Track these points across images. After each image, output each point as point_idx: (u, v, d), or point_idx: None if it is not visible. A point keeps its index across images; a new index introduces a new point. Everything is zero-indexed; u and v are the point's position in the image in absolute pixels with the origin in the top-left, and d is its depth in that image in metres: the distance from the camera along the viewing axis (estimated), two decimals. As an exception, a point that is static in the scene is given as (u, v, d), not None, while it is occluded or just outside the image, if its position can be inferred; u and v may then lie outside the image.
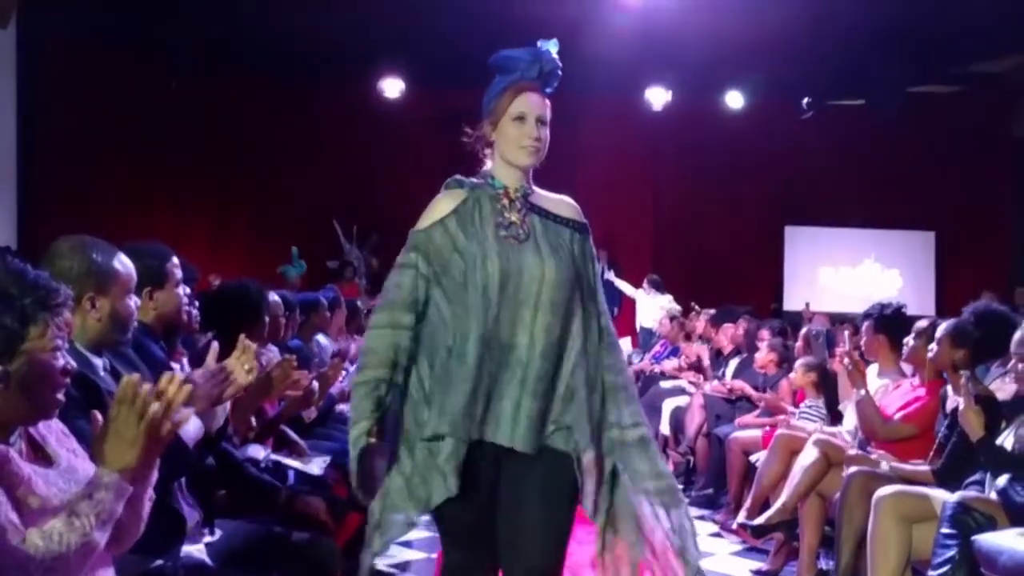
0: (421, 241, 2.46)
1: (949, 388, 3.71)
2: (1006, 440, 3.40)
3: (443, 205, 2.50)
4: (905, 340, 4.46)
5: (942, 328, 4.05)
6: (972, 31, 9.42)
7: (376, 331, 2.44)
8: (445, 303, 2.42)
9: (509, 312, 2.39)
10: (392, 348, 2.41)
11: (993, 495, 3.30)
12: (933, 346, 4.06)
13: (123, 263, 2.38)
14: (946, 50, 10.44)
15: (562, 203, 2.60)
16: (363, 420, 2.36)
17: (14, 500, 1.72)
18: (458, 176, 2.57)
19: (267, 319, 3.89)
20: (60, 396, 1.84)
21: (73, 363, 1.86)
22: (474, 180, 2.56)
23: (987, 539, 3.05)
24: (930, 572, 3.24)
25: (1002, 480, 3.23)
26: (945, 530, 3.20)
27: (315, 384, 3.76)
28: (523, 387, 2.38)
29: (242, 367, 2.46)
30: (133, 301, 2.41)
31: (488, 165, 2.57)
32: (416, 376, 2.46)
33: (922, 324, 4.43)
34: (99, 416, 1.88)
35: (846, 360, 4.27)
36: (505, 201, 2.50)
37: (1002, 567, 2.92)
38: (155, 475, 1.95)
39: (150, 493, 1.97)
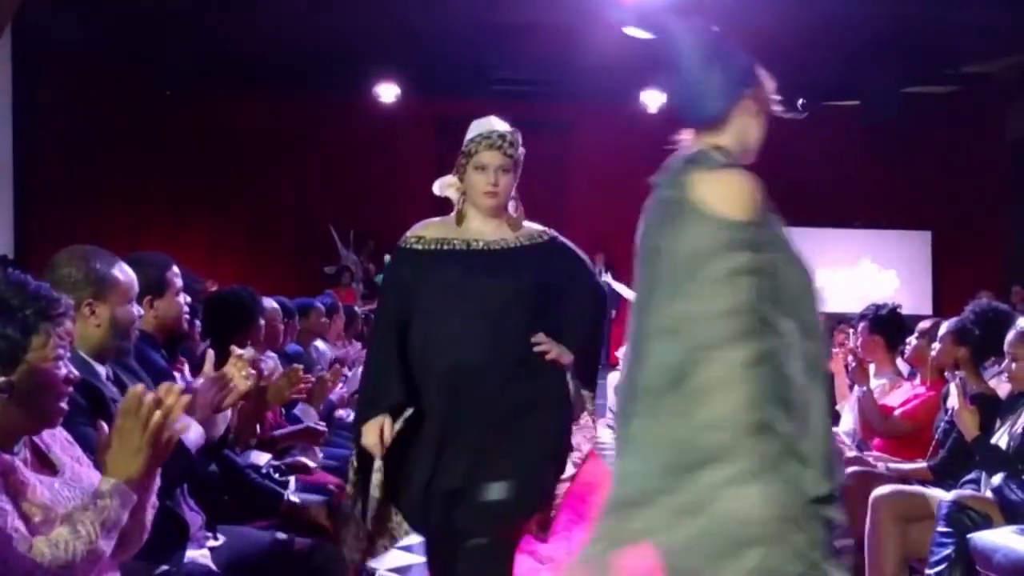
0: (767, 239, 1.83)
1: (952, 386, 3.75)
2: (1000, 439, 3.42)
3: (752, 187, 1.88)
4: (908, 340, 4.50)
5: (944, 327, 4.09)
6: (965, 32, 9.45)
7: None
8: (784, 322, 1.80)
9: None
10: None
11: (989, 493, 3.32)
12: (936, 345, 4.09)
13: (124, 271, 2.40)
14: (939, 51, 10.48)
15: None
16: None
17: (19, 509, 1.74)
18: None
19: (262, 323, 3.89)
20: (63, 405, 1.86)
21: (75, 372, 1.88)
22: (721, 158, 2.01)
23: (982, 537, 3.08)
24: (927, 571, 3.26)
25: (997, 478, 3.26)
26: (941, 529, 3.23)
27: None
28: None
29: (239, 373, 2.48)
30: (135, 309, 2.43)
31: (720, 140, 2.05)
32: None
33: (925, 324, 4.48)
34: (105, 427, 1.90)
35: (850, 358, 4.31)
36: None
37: (997, 565, 2.95)
38: (157, 483, 1.97)
39: (153, 500, 1.99)
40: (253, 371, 2.56)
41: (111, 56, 10.73)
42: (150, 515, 1.99)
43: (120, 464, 1.84)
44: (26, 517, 1.75)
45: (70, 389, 1.87)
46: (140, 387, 1.87)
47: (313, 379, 3.19)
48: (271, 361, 4.04)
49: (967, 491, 3.43)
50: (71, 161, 10.62)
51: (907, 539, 3.48)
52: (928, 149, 12.22)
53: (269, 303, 4.34)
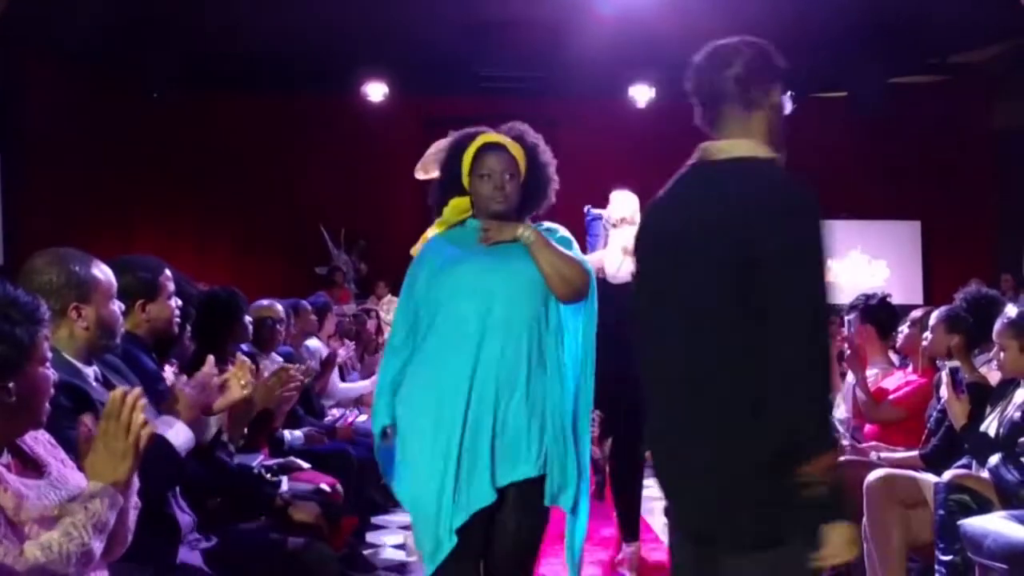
0: None
1: (943, 375, 3.76)
2: (990, 426, 3.43)
3: None
4: (899, 329, 4.50)
5: (935, 315, 4.08)
6: (950, 22, 9.47)
7: None
8: None
9: None
10: None
11: (984, 474, 3.32)
12: (927, 334, 4.08)
13: (101, 270, 2.38)
14: (925, 41, 10.50)
15: None
16: None
17: (5, 515, 1.74)
18: None
19: (248, 323, 3.86)
20: (48, 406, 1.87)
21: (56, 373, 1.89)
22: None
23: (972, 523, 3.10)
24: (938, 555, 3.25)
25: (994, 459, 3.25)
26: (942, 512, 3.24)
27: None
28: None
29: (238, 381, 2.51)
30: (117, 306, 2.42)
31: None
32: None
33: (916, 313, 4.47)
34: (85, 425, 1.90)
35: (845, 346, 4.32)
36: None
37: (987, 550, 2.96)
38: (136, 484, 1.95)
39: (135, 501, 1.98)
40: (252, 380, 2.59)
41: (98, 59, 10.66)
42: (133, 516, 1.98)
43: (107, 468, 1.83)
44: (14, 523, 1.74)
45: (52, 390, 1.87)
46: (121, 391, 1.86)
47: (302, 378, 3.15)
48: (274, 366, 4.01)
49: (960, 471, 3.43)
50: (59, 165, 10.56)
51: (908, 525, 3.48)
52: (916, 139, 12.24)
53: (273, 305, 4.34)
